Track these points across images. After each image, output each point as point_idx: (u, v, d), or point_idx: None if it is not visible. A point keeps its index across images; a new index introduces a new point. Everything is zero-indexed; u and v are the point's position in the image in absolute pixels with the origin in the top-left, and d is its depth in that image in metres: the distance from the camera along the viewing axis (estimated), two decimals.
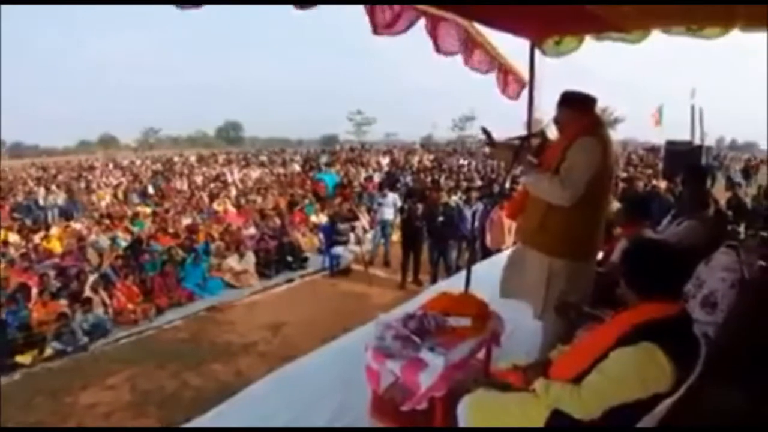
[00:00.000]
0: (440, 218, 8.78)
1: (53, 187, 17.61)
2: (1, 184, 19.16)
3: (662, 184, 10.72)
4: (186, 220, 12.61)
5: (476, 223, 7.93)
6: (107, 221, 12.49)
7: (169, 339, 7.12)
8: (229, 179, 20.65)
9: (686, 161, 8.14)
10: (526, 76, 4.89)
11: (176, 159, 30.78)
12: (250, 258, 9.65)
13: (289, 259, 10.37)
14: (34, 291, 7.63)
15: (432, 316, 2.70)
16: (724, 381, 1.93)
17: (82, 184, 19.62)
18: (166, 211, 13.89)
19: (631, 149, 33.90)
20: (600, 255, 3.34)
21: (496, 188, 10.77)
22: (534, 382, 1.88)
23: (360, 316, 5.00)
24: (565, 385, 1.77)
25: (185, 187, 19.19)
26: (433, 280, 8.47)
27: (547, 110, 3.12)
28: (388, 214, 10.45)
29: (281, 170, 24.15)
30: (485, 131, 3.17)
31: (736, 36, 3.79)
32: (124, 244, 10.14)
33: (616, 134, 38.26)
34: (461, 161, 24.95)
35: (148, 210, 14.28)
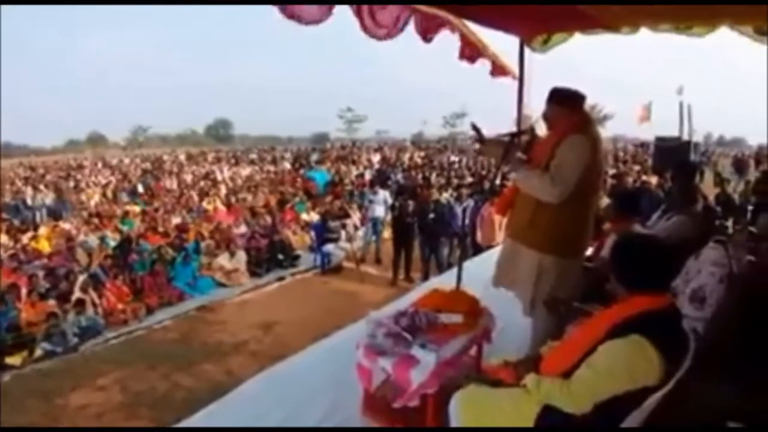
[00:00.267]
0: (431, 215, 8.78)
1: (41, 187, 17.44)
2: None
3: (653, 180, 10.79)
4: (176, 219, 12.56)
5: (467, 220, 7.94)
6: (96, 221, 12.39)
7: (160, 339, 7.08)
8: (219, 177, 20.56)
9: (675, 157, 8.20)
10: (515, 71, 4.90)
11: (166, 157, 30.58)
12: (241, 256, 9.61)
13: (280, 257, 10.33)
14: (24, 291, 7.55)
15: (423, 313, 2.70)
16: (713, 375, 1.94)
17: (71, 184, 19.48)
18: (156, 210, 13.81)
19: (620, 145, 34.12)
20: (590, 250, 3.36)
21: (486, 185, 10.78)
22: (525, 377, 1.89)
23: (352, 314, 4.98)
24: (555, 380, 1.78)
25: (175, 185, 19.09)
26: (425, 277, 8.48)
27: (536, 107, 3.13)
28: (379, 211, 10.45)
29: (272, 168, 24.09)
30: (475, 128, 3.18)
31: (724, 33, 3.82)
32: (113, 243, 10.07)
33: (606, 131, 38.48)
34: (452, 158, 24.98)
35: (138, 209, 14.19)
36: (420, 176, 16.87)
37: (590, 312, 2.30)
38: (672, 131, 11.44)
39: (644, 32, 4.16)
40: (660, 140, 10.59)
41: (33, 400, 5.38)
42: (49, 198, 16.19)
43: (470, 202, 9.06)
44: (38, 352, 6.55)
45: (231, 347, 6.45)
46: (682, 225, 3.19)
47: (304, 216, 13.03)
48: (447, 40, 4.07)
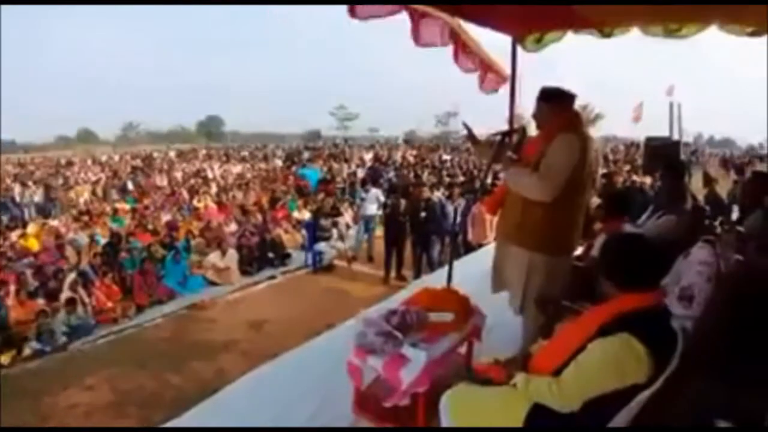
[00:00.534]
0: (423, 214, 8.78)
1: (30, 184, 17.27)
2: None
3: (647, 180, 10.85)
4: (166, 217, 12.48)
5: (459, 219, 7.96)
6: (86, 218, 12.29)
7: (150, 338, 7.04)
8: (210, 175, 20.47)
9: (665, 157, 8.23)
10: (506, 71, 4.92)
11: (156, 155, 30.41)
12: (233, 255, 9.56)
13: (271, 255, 10.30)
14: (12, 290, 7.48)
15: (414, 311, 2.69)
16: (701, 373, 1.96)
17: (60, 181, 19.29)
18: (146, 207, 13.73)
19: (611, 145, 34.34)
20: (580, 250, 3.37)
21: (478, 184, 10.81)
22: (514, 376, 1.90)
23: (343, 312, 4.98)
24: (545, 378, 1.79)
25: (165, 183, 18.98)
26: (417, 275, 8.49)
27: (528, 106, 3.14)
28: (372, 209, 10.44)
29: (263, 166, 24.03)
30: (466, 127, 3.19)
31: (714, 34, 3.85)
32: (103, 241, 10.00)
33: (597, 131, 38.67)
34: (444, 157, 25.04)
35: (128, 206, 14.11)
36: (412, 175, 16.87)
37: (580, 311, 2.31)
38: (662, 131, 11.50)
39: (635, 32, 4.18)
40: (650, 140, 10.62)
41: (22, 399, 5.34)
42: (38, 195, 16.06)
43: (462, 201, 9.08)
44: (27, 351, 6.49)
45: (221, 346, 6.42)
46: (671, 224, 3.22)
47: (296, 214, 13.00)
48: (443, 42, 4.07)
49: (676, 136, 10.95)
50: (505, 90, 5.05)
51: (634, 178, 12.83)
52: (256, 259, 10.04)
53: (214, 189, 16.62)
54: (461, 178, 15.40)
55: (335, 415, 2.82)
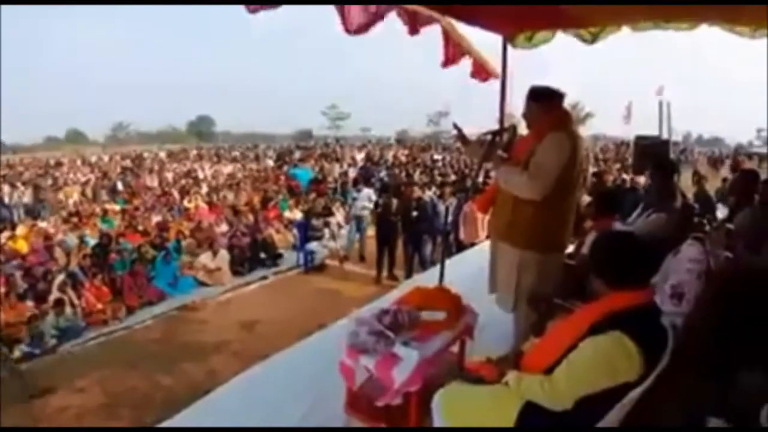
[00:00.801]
0: (415, 213, 8.80)
1: (19, 185, 17.09)
2: None
3: (641, 180, 10.92)
4: (156, 218, 12.40)
5: (450, 218, 7.96)
6: (75, 219, 12.19)
7: (140, 339, 7.00)
8: (201, 175, 20.37)
9: (655, 155, 8.28)
10: (497, 69, 4.93)
11: (146, 155, 30.22)
12: (224, 255, 9.53)
13: (263, 256, 10.28)
14: (2, 292, 7.40)
15: (406, 310, 2.69)
16: (692, 371, 1.97)
17: (49, 182, 19.09)
18: (136, 208, 13.64)
19: (601, 144, 34.58)
20: (571, 248, 3.39)
21: (469, 183, 10.84)
22: (506, 374, 1.90)
23: (335, 312, 4.98)
24: (537, 376, 1.79)
25: (156, 183, 18.87)
26: (408, 274, 8.50)
27: (518, 105, 3.15)
28: (363, 209, 10.43)
29: (254, 166, 23.96)
30: (456, 127, 3.20)
31: (704, 35, 3.88)
32: (92, 242, 9.92)
33: (587, 129, 38.93)
34: (436, 156, 25.08)
35: (118, 207, 14.00)
36: (404, 174, 16.88)
37: (571, 309, 2.32)
38: (652, 130, 11.59)
39: (625, 31, 4.21)
40: (640, 139, 10.70)
41: (12, 402, 5.28)
42: (26, 196, 15.89)
43: (453, 200, 9.09)
44: (17, 354, 6.42)
45: (213, 347, 6.41)
46: (661, 222, 3.24)
47: (288, 214, 12.96)
48: (431, 38, 4.08)
49: (665, 135, 11.04)
50: (495, 89, 5.06)
51: (624, 176, 12.91)
52: (247, 260, 10.02)
53: (204, 189, 16.54)
54: (453, 178, 15.43)
55: (327, 415, 2.81)
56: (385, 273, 9.13)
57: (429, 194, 10.85)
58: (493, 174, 3.63)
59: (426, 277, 5.29)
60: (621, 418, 1.71)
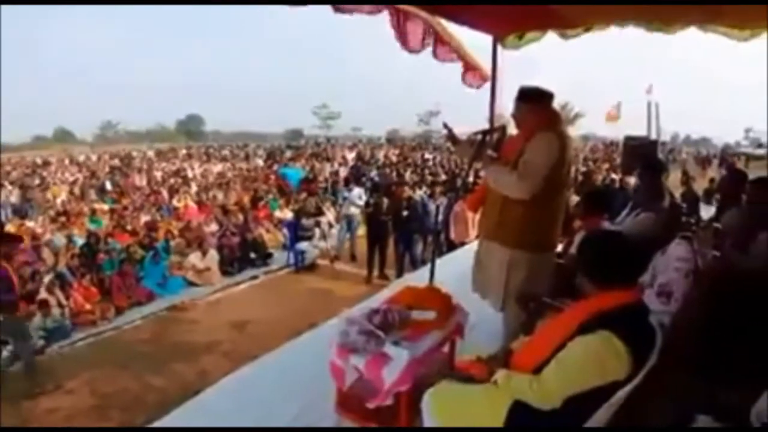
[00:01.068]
0: (405, 212, 8.81)
1: (6, 184, 16.90)
2: None
3: (631, 180, 11.02)
4: (145, 217, 12.31)
5: (441, 217, 7.98)
6: (63, 219, 12.07)
7: (130, 340, 6.95)
8: (190, 174, 20.25)
9: (643, 155, 8.36)
10: (487, 70, 4.95)
11: (135, 154, 30.01)
12: (213, 255, 9.48)
13: (253, 255, 10.24)
14: None
15: (396, 310, 2.69)
16: (680, 369, 1.99)
17: (37, 181, 18.91)
18: (125, 208, 13.53)
19: (590, 144, 34.82)
20: (560, 247, 3.41)
21: (459, 182, 10.88)
22: (496, 373, 1.91)
23: (326, 312, 4.98)
24: (526, 375, 1.80)
25: (144, 183, 18.74)
26: (399, 274, 8.52)
27: (508, 105, 3.17)
28: (354, 208, 10.43)
29: (244, 165, 23.86)
30: (446, 127, 3.21)
31: (692, 36, 3.92)
32: (80, 242, 9.83)
33: (576, 130, 39.17)
34: (426, 155, 25.13)
35: (106, 207, 13.88)
36: (395, 174, 16.89)
37: (561, 308, 2.33)
38: (641, 130, 11.71)
39: (614, 32, 4.24)
40: (629, 139, 10.80)
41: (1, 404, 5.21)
42: (14, 196, 15.72)
43: (444, 200, 9.11)
44: (5, 354, 6.35)
45: (203, 347, 6.37)
46: (649, 222, 3.26)
47: (278, 214, 12.93)
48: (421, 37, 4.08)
49: (654, 136, 11.15)
50: (486, 89, 5.08)
51: (614, 176, 13.01)
52: (237, 260, 9.98)
53: (194, 189, 16.45)
54: (443, 177, 15.47)
55: (319, 415, 2.81)
56: (375, 272, 9.13)
57: (420, 194, 10.87)
58: (483, 173, 3.64)
59: (416, 276, 5.30)
60: (609, 417, 1.72)
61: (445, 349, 3.01)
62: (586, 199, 3.52)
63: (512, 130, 3.16)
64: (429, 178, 15.48)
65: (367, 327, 2.53)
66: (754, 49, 3.79)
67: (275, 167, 21.09)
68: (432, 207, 9.07)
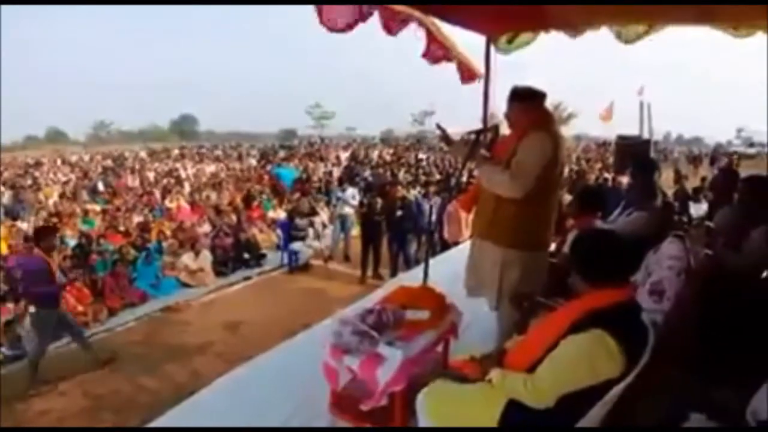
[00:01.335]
0: (399, 212, 8.81)
1: None
2: None
3: (623, 179, 11.08)
4: (137, 218, 12.24)
5: (434, 217, 7.99)
6: (55, 220, 11.98)
7: (123, 341, 6.90)
8: (183, 175, 20.16)
9: (636, 155, 8.39)
10: (481, 69, 4.95)
11: (127, 154, 29.87)
12: (206, 256, 9.43)
13: (246, 256, 10.20)
14: None
15: (390, 310, 2.69)
16: (672, 367, 1.99)
17: (29, 182, 18.78)
18: (117, 208, 13.45)
19: (583, 144, 34.98)
20: (553, 246, 3.41)
21: (453, 182, 10.90)
22: (490, 372, 1.91)
23: (320, 312, 4.96)
24: (519, 375, 1.80)
25: (137, 183, 18.65)
26: (393, 273, 8.51)
27: (501, 105, 3.17)
28: (348, 208, 10.42)
29: (237, 165, 23.79)
30: (440, 128, 3.21)
31: (685, 36, 3.93)
32: (73, 243, 9.77)
33: (570, 129, 39.33)
34: (420, 155, 25.16)
35: (98, 208, 13.79)
36: (388, 173, 16.88)
37: (554, 307, 2.34)
38: (633, 130, 11.74)
39: (606, 32, 4.25)
40: (621, 139, 10.85)
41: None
42: (6, 197, 15.60)
43: (438, 199, 9.12)
44: None
45: (196, 348, 6.34)
46: (641, 220, 3.27)
47: (271, 214, 12.90)
48: (415, 38, 4.08)
49: (646, 135, 11.19)
50: (480, 89, 5.08)
51: (606, 175, 13.07)
52: (230, 260, 9.94)
53: (187, 189, 16.38)
54: (437, 177, 15.49)
55: (313, 415, 2.81)
56: (369, 272, 9.12)
57: (414, 193, 10.89)
58: (476, 173, 3.65)
59: (410, 276, 5.30)
60: (603, 415, 1.73)
61: (439, 348, 3.01)
62: (579, 198, 3.53)
63: (505, 130, 3.17)
64: (423, 177, 15.50)
65: (360, 327, 2.53)
66: (746, 48, 3.83)
67: (269, 167, 21.05)
68: (426, 207, 9.07)
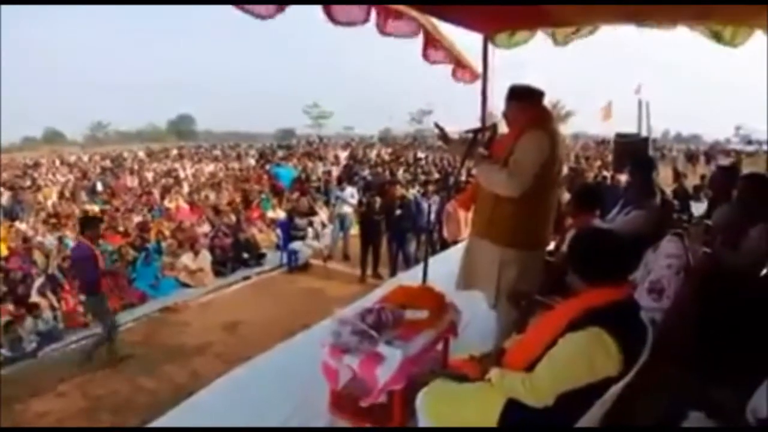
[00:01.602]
0: (398, 211, 8.81)
1: None
2: None
3: (622, 178, 11.08)
4: (136, 218, 12.23)
5: (434, 216, 7.99)
6: (54, 221, 11.98)
7: (122, 342, 6.88)
8: (182, 175, 20.15)
9: (634, 153, 8.39)
10: (479, 69, 4.96)
11: (126, 154, 29.84)
12: (206, 256, 9.43)
13: (246, 256, 10.21)
14: None
15: (389, 309, 2.69)
16: (671, 365, 1.99)
17: (27, 183, 18.75)
18: (116, 209, 13.45)
19: (582, 142, 34.99)
20: (551, 245, 3.41)
21: (452, 181, 10.91)
22: (489, 372, 1.91)
23: (319, 312, 4.94)
24: (518, 374, 1.80)
25: (136, 183, 18.64)
26: (393, 273, 8.51)
27: (499, 105, 3.17)
28: (347, 208, 10.42)
29: (236, 165, 23.78)
30: (438, 126, 3.21)
31: (683, 34, 3.94)
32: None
33: (568, 128, 39.33)
34: (419, 154, 25.16)
35: (97, 208, 13.78)
36: (387, 173, 16.88)
37: (552, 305, 2.34)
38: (631, 128, 11.75)
39: (604, 30, 4.26)
40: (620, 137, 10.85)
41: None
42: (4, 198, 15.57)
43: (437, 198, 9.12)
44: None
45: (195, 349, 6.35)
46: (640, 219, 3.27)
47: (270, 213, 12.90)
48: (413, 36, 4.08)
49: (644, 133, 11.20)
50: (478, 88, 5.09)
51: (605, 173, 13.07)
52: (229, 260, 9.94)
53: (186, 189, 16.36)
54: (436, 176, 15.50)
55: (312, 415, 2.80)
56: (369, 272, 9.13)
57: (412, 192, 10.89)
58: (475, 172, 3.66)
59: (410, 275, 5.30)
60: (602, 414, 1.73)
61: (439, 347, 3.01)
62: (577, 197, 3.52)
63: (504, 128, 3.17)
64: (422, 176, 15.51)
65: (359, 327, 2.53)
66: (744, 47, 3.81)
67: (267, 167, 21.04)
68: (425, 206, 9.07)
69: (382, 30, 3.56)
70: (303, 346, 3.66)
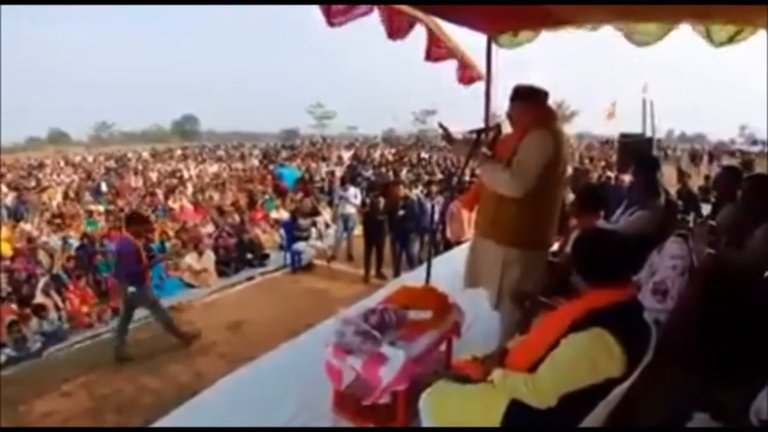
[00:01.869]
0: (402, 212, 8.80)
1: (1, 186, 16.82)
2: None
3: (626, 178, 11.03)
4: None
5: (437, 216, 7.99)
6: (59, 221, 12.02)
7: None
8: (186, 175, 20.20)
9: (638, 153, 8.36)
10: (482, 69, 4.95)
11: (130, 155, 29.94)
12: (210, 256, 9.44)
13: (249, 256, 10.21)
14: None
15: (392, 310, 2.69)
16: (675, 366, 1.99)
17: (32, 183, 18.83)
18: (121, 209, 13.48)
19: (587, 142, 34.92)
20: (555, 245, 3.41)
21: (455, 181, 10.92)
22: (492, 372, 1.90)
23: (323, 312, 4.95)
24: (521, 374, 1.80)
25: (140, 183, 18.70)
26: (396, 273, 8.51)
27: (503, 105, 3.17)
28: (350, 208, 10.41)
29: (240, 165, 23.83)
30: (442, 126, 3.21)
31: (687, 33, 3.92)
32: (76, 244, 9.79)
33: (573, 128, 39.28)
34: (422, 154, 25.17)
35: (102, 209, 13.82)
36: (391, 173, 16.88)
37: (555, 306, 2.34)
38: (636, 128, 11.70)
39: (608, 30, 4.25)
40: (624, 137, 10.81)
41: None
42: (9, 198, 15.63)
43: (440, 199, 9.11)
44: (1, 358, 6.32)
45: (199, 349, 6.35)
46: (644, 219, 3.26)
47: (274, 214, 12.90)
48: (417, 36, 4.09)
49: (649, 133, 11.15)
50: (482, 88, 5.09)
51: (609, 174, 13.02)
52: (233, 261, 9.94)
53: (190, 189, 16.40)
54: (440, 176, 15.49)
55: (315, 415, 2.81)
56: (373, 272, 9.12)
57: (416, 193, 10.88)
58: (478, 172, 3.66)
59: (413, 275, 5.30)
60: (606, 415, 1.73)
61: (442, 348, 3.01)
62: (581, 197, 3.51)
63: (507, 129, 3.16)
64: (425, 177, 15.51)
65: (363, 327, 2.53)
66: (748, 46, 3.79)
67: (271, 167, 21.07)
68: (428, 206, 9.06)
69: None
70: (307, 347, 3.66)
